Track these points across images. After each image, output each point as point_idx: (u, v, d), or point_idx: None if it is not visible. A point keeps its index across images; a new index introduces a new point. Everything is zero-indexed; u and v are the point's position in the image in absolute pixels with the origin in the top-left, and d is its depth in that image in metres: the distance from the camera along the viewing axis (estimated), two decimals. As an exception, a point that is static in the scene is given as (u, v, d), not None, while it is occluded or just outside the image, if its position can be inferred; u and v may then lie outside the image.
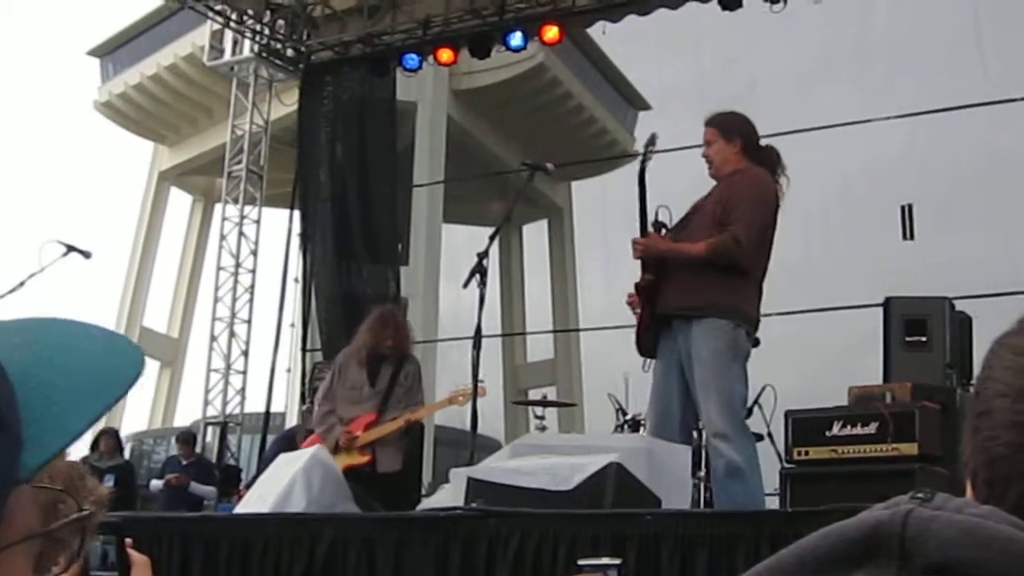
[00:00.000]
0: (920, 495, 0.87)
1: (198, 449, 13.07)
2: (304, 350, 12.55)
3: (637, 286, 6.18)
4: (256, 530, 5.66)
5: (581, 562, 2.02)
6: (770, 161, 6.26)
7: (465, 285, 6.68)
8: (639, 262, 6.21)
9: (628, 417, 8.93)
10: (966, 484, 1.00)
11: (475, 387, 6.81)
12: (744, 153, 6.21)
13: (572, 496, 5.29)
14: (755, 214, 5.96)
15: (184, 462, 12.10)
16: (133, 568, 1.95)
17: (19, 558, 0.83)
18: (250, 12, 12.88)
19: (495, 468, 5.80)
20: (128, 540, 1.93)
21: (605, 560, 2.05)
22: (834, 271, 18.06)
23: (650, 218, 6.27)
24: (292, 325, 14.28)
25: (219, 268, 16.27)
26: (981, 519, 0.82)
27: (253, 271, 16.14)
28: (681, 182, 7.06)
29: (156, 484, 12.01)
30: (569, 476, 5.35)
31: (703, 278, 5.92)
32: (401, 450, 7.93)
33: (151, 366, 35.63)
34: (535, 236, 34.23)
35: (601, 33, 11.86)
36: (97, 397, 0.83)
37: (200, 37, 23.36)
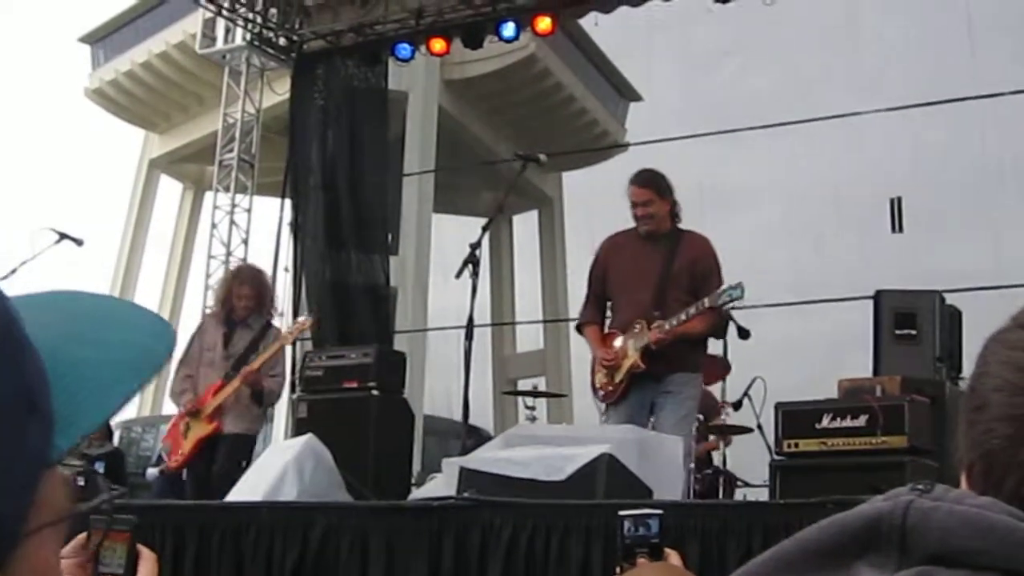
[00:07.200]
0: (920, 487, 0.89)
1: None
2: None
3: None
4: (249, 518, 5.67)
5: (622, 513, 2.02)
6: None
7: (458, 275, 6.71)
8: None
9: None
10: (961, 477, 1.02)
11: (467, 379, 6.75)
12: (672, 209, 6.79)
13: (564, 486, 5.32)
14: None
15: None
16: (141, 562, 1.93)
17: (52, 539, 0.81)
18: (242, 0, 12.85)
19: (488, 458, 5.83)
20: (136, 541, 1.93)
21: (646, 511, 2.05)
22: (824, 264, 18.05)
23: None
24: (282, 314, 14.24)
25: (210, 256, 16.29)
26: (981, 509, 0.84)
27: (243, 260, 16.12)
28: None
29: (152, 472, 11.95)
30: (562, 466, 5.38)
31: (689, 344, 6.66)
32: (251, 412, 7.67)
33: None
34: (525, 226, 34.11)
35: (593, 24, 11.85)
36: (131, 374, 0.80)
37: (192, 25, 23.29)
